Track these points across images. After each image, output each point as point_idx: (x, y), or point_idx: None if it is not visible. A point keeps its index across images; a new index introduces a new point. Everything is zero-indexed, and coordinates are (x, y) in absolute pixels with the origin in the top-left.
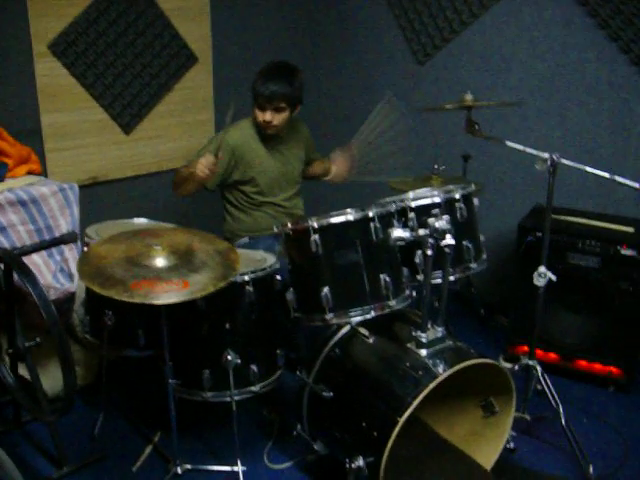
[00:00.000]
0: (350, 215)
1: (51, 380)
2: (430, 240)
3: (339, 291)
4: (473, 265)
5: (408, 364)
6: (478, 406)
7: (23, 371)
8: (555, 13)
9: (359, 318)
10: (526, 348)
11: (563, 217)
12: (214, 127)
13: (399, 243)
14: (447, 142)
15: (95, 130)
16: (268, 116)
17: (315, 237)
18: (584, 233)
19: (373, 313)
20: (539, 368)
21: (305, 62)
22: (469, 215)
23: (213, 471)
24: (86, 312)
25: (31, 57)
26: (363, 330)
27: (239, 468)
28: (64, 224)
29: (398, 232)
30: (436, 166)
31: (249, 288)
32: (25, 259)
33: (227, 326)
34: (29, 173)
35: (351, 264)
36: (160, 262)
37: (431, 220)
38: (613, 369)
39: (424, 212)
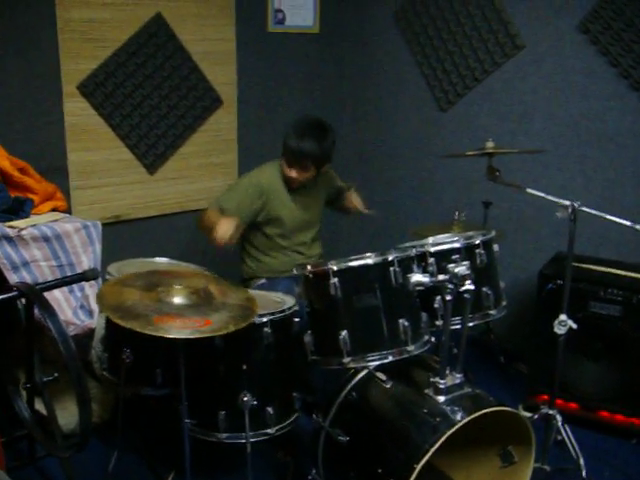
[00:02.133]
0: (370, 259)
1: (67, 416)
2: (449, 286)
3: (357, 335)
4: (493, 312)
5: (426, 410)
6: (497, 455)
7: (39, 406)
8: (576, 62)
9: (377, 363)
10: (546, 397)
11: (584, 265)
12: (237, 169)
13: (418, 288)
14: (468, 189)
15: (120, 169)
16: (294, 173)
17: (334, 280)
18: (605, 281)
19: (391, 358)
20: (559, 418)
21: (328, 106)
22: (489, 261)
23: None
24: (104, 349)
25: (60, 96)
26: (381, 375)
27: None
28: (86, 261)
29: (417, 277)
30: (457, 213)
31: (267, 330)
32: (46, 295)
33: (244, 367)
34: (54, 210)
35: (370, 308)
36: (180, 300)
37: (451, 266)
38: (636, 421)
39: (444, 258)
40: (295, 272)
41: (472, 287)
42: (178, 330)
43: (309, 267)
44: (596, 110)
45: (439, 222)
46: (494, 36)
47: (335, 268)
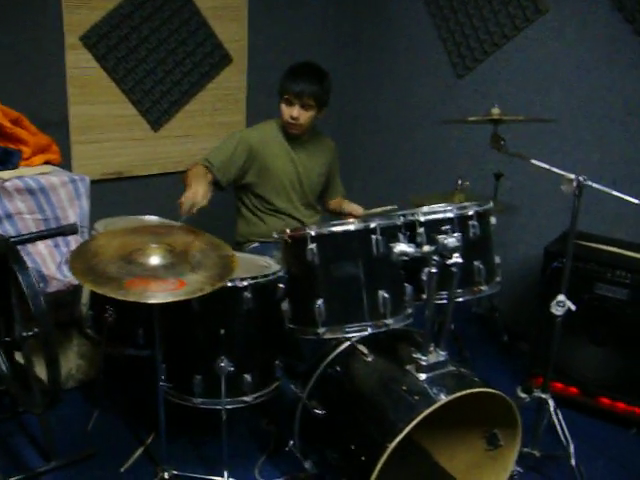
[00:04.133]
0: (351, 225)
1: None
2: (435, 257)
3: (334, 305)
4: (484, 287)
5: (405, 388)
6: (482, 437)
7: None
8: (600, 30)
9: (353, 335)
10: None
11: (594, 244)
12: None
13: (402, 258)
14: (481, 159)
15: (123, 125)
16: (295, 112)
17: (312, 246)
18: (614, 263)
19: (370, 330)
20: (552, 402)
21: (343, 69)
22: (483, 234)
23: (202, 478)
24: (89, 307)
25: (62, 48)
26: (362, 348)
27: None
28: (73, 216)
29: (402, 247)
30: (460, 182)
31: (247, 294)
32: (30, 248)
33: (222, 332)
34: (47, 163)
35: (348, 277)
36: (155, 260)
37: (440, 237)
38: (637, 409)
39: (434, 228)
40: (275, 236)
41: (460, 260)
42: (151, 294)
43: (288, 231)
44: (619, 82)
45: (441, 191)
46: None
47: (313, 233)
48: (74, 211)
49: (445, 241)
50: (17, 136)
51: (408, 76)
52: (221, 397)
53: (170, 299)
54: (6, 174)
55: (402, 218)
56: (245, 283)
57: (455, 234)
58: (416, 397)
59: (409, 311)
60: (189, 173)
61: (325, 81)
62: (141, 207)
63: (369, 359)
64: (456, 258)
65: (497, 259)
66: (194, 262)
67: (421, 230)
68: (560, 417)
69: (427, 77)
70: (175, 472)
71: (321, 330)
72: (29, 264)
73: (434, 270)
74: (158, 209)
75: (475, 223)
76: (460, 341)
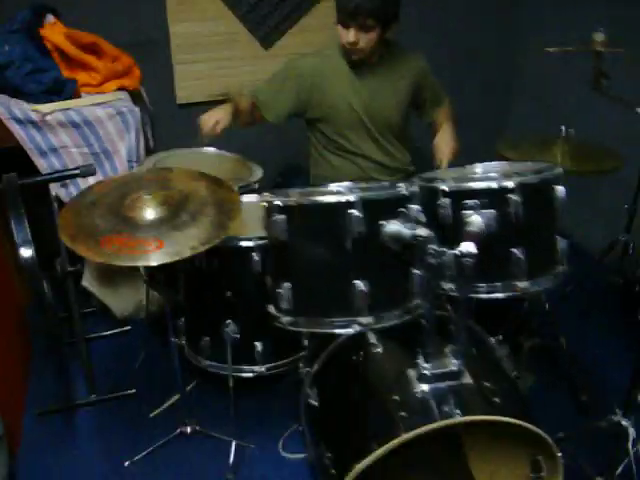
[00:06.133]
0: (329, 196)
1: (120, 301)
2: (431, 246)
3: (302, 292)
4: (522, 284)
5: (398, 398)
6: (527, 461)
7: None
8: None
9: (322, 332)
10: None
11: None
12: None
13: (395, 242)
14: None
15: (229, 43)
16: (352, 36)
17: (280, 218)
18: None
19: (339, 331)
20: (632, 432)
21: None
22: (534, 212)
23: (223, 440)
24: None
25: None
26: (373, 336)
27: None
28: (124, 149)
29: (393, 227)
30: (563, 129)
31: (255, 256)
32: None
33: (228, 294)
34: (121, 89)
35: (318, 261)
36: (145, 215)
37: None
38: None
39: (462, 200)
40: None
41: (472, 250)
42: (123, 255)
43: (266, 194)
44: None
45: (539, 140)
46: None
47: (280, 203)
48: (124, 144)
49: (470, 219)
50: (84, 62)
51: None
52: (227, 362)
53: (139, 263)
54: (47, 107)
55: (409, 188)
56: (252, 243)
57: (485, 211)
58: (402, 413)
59: (411, 305)
60: (235, 101)
61: None
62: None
63: (377, 350)
64: (468, 247)
65: (562, 243)
66: (187, 217)
67: (446, 201)
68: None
69: None
70: (197, 427)
71: (285, 319)
72: None
73: (432, 261)
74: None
75: (517, 199)
76: (556, 325)
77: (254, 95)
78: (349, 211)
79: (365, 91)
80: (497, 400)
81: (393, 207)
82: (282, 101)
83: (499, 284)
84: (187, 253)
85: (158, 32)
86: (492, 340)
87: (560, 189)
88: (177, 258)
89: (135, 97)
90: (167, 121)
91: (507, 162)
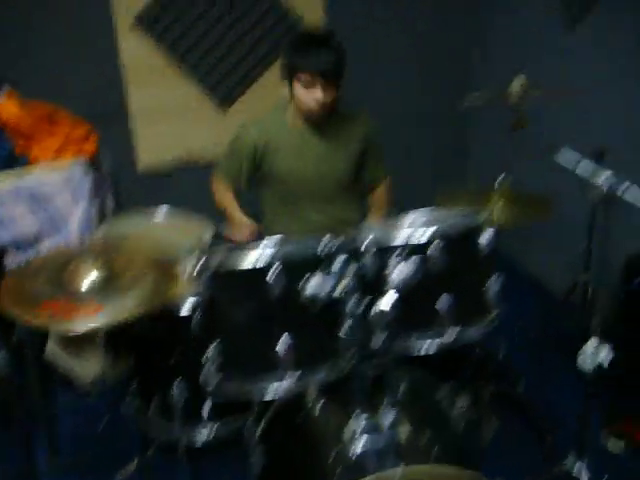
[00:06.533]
0: (250, 255)
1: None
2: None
3: (229, 352)
4: (450, 332)
5: (335, 454)
6: None
7: None
8: None
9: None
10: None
11: None
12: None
13: (317, 299)
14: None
15: (188, 107)
16: (320, 94)
17: (204, 278)
18: None
19: (265, 395)
20: (585, 476)
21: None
22: (458, 261)
23: None
24: None
25: (115, 31)
26: (313, 393)
27: None
28: (76, 217)
29: (314, 285)
30: (499, 179)
31: (197, 316)
32: None
33: (174, 356)
34: (77, 156)
35: (244, 321)
36: (85, 280)
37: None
38: None
39: (384, 256)
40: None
41: (386, 307)
42: (58, 320)
43: (194, 254)
44: None
45: (478, 189)
46: None
47: (198, 267)
48: (77, 212)
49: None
50: (39, 132)
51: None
52: (174, 426)
53: (76, 327)
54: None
55: (332, 244)
56: (191, 304)
57: (405, 264)
58: (339, 470)
59: (342, 363)
60: (216, 192)
61: (341, 46)
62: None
63: (317, 406)
64: (388, 299)
65: (494, 286)
66: (127, 283)
67: (369, 255)
68: None
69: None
70: None
71: (213, 381)
72: None
73: (356, 311)
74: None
75: (439, 248)
76: (512, 371)
77: (218, 174)
78: (270, 271)
79: (314, 153)
80: (436, 449)
81: (315, 265)
82: (243, 173)
83: (427, 334)
84: (124, 318)
85: (117, 98)
86: (439, 387)
87: (485, 235)
88: (114, 323)
89: (93, 164)
90: (129, 187)
91: (435, 210)
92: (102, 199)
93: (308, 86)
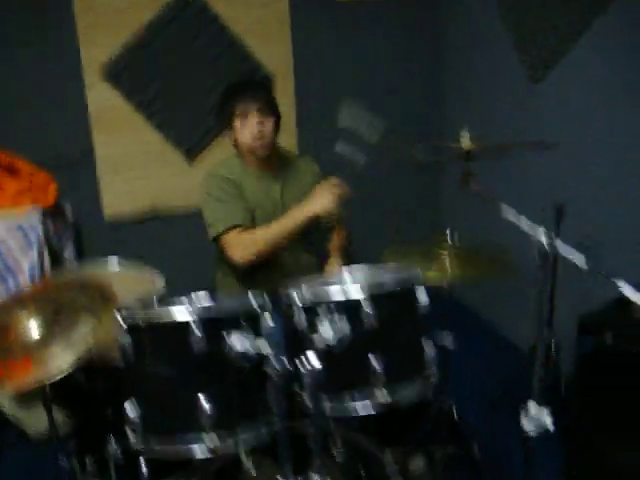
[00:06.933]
0: (170, 313)
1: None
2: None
3: (146, 410)
4: (381, 393)
5: None
6: None
7: None
8: None
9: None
10: None
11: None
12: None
13: (240, 358)
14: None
15: (154, 158)
16: (258, 125)
17: (124, 335)
18: None
19: (194, 455)
20: None
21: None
22: (391, 319)
23: None
24: None
25: (82, 83)
26: (245, 458)
27: None
28: (27, 266)
29: (236, 343)
30: (448, 232)
31: None
32: None
33: (109, 411)
34: (35, 206)
35: (163, 379)
36: (23, 331)
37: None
38: None
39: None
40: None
41: (317, 363)
42: None
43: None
44: None
45: (428, 245)
46: None
47: (123, 323)
48: (27, 261)
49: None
50: None
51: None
52: None
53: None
54: None
55: (258, 301)
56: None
57: (333, 322)
58: None
59: (264, 431)
60: (257, 245)
61: (269, 86)
62: (185, 246)
63: (248, 469)
64: (311, 360)
65: (429, 346)
66: (64, 333)
67: (299, 312)
68: None
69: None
70: None
71: (133, 440)
72: None
73: (279, 375)
74: (194, 249)
75: (371, 305)
76: (468, 433)
77: (228, 230)
78: (190, 329)
79: (272, 197)
80: None
81: (238, 322)
82: (243, 206)
83: (360, 394)
84: (60, 371)
85: (85, 146)
86: (382, 450)
87: (421, 292)
88: (45, 381)
89: (53, 213)
90: (95, 235)
91: (372, 266)
92: (61, 248)
93: (244, 118)
